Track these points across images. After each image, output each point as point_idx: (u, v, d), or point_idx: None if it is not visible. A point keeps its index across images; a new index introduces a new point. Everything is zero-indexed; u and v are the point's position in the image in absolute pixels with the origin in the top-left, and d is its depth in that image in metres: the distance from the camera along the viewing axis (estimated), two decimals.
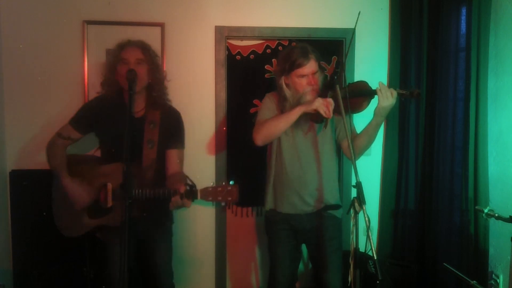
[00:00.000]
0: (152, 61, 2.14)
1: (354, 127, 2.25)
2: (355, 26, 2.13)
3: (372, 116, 2.05)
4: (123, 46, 2.12)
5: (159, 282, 2.25)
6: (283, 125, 2.02)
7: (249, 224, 3.04)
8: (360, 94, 2.05)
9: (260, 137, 2.05)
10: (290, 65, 2.09)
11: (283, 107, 2.16)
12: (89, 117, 2.18)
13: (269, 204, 2.27)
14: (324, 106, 1.94)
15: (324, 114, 1.95)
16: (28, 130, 2.70)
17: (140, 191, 1.95)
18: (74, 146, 2.25)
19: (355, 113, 2.10)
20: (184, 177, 2.09)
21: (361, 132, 2.12)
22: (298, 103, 2.09)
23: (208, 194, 1.87)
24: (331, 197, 2.20)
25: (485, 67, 2.33)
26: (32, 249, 2.59)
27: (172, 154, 2.16)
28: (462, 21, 2.48)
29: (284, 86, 2.14)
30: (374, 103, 2.05)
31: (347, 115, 1.87)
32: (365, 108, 2.07)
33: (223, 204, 1.89)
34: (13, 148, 2.71)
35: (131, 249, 2.07)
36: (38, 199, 2.59)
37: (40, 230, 2.59)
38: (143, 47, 2.13)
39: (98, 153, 2.30)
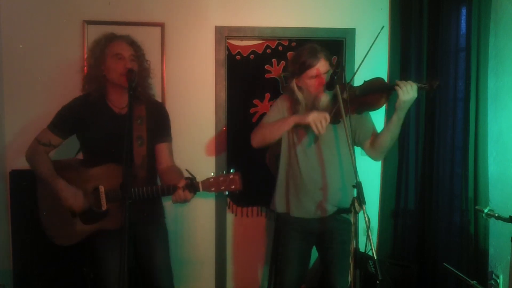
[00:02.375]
0: (141, 57, 2.09)
1: (374, 125, 2.22)
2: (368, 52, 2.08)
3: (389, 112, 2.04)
4: (111, 39, 2.03)
5: (157, 281, 2.17)
6: (276, 132, 2.07)
7: (250, 224, 3.04)
8: (377, 90, 2.02)
9: (255, 140, 2.10)
10: (300, 67, 2.06)
11: (296, 111, 2.13)
12: (69, 121, 2.07)
13: (280, 207, 2.22)
14: (317, 121, 1.92)
15: (315, 130, 1.94)
16: (28, 130, 2.69)
17: (137, 190, 1.91)
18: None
19: (373, 109, 2.08)
20: (179, 171, 2.06)
21: (383, 129, 2.09)
22: (313, 105, 2.07)
23: (210, 185, 1.83)
24: (346, 201, 2.12)
25: (485, 67, 2.33)
26: (32, 249, 2.58)
27: (162, 148, 2.11)
28: (462, 21, 2.48)
29: (296, 89, 2.11)
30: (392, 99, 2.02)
31: (347, 116, 1.84)
32: (384, 104, 2.04)
33: (226, 193, 1.84)
34: (13, 148, 2.70)
35: (130, 251, 2.03)
36: (38, 199, 2.59)
37: (40, 230, 2.58)
38: (132, 43, 2.06)
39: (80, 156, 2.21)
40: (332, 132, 2.11)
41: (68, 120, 2.08)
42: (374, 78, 2.11)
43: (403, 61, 2.76)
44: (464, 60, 2.43)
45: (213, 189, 1.83)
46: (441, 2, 2.56)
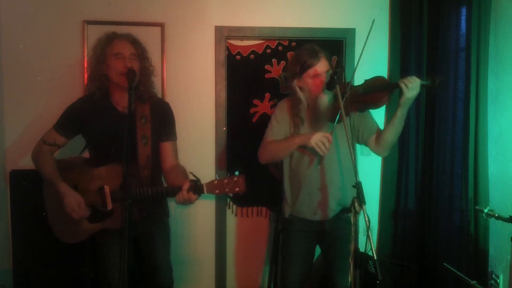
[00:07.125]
0: (143, 55, 2.08)
1: (376, 122, 2.24)
2: (369, 33, 2.12)
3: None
4: (112, 38, 2.03)
5: (159, 277, 2.21)
6: (283, 153, 2.14)
7: (249, 224, 3.03)
8: (379, 88, 2.05)
9: (264, 159, 2.17)
10: (300, 67, 2.08)
11: (298, 110, 2.15)
12: (74, 120, 2.08)
13: (288, 211, 2.23)
14: (320, 143, 1.95)
15: (319, 152, 1.97)
16: (28, 130, 2.70)
17: (141, 190, 1.92)
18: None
19: (376, 107, 2.10)
20: (184, 170, 2.07)
21: (387, 125, 2.11)
22: (314, 105, 2.09)
23: (215, 187, 1.83)
24: (349, 200, 2.17)
25: (485, 67, 2.33)
26: (32, 249, 2.59)
27: (167, 146, 2.11)
28: (462, 21, 2.48)
29: (298, 89, 2.13)
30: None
31: (347, 116, 1.85)
32: (386, 102, 2.06)
33: (230, 195, 1.85)
34: (13, 148, 2.70)
35: (130, 249, 2.07)
36: (38, 199, 2.58)
37: (40, 230, 2.58)
38: (134, 42, 2.06)
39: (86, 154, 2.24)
40: (333, 132, 2.12)
41: (73, 120, 2.08)
42: (375, 76, 2.13)
43: (403, 61, 2.76)
44: (464, 60, 2.44)
45: (217, 191, 1.83)
46: (441, 2, 2.56)
